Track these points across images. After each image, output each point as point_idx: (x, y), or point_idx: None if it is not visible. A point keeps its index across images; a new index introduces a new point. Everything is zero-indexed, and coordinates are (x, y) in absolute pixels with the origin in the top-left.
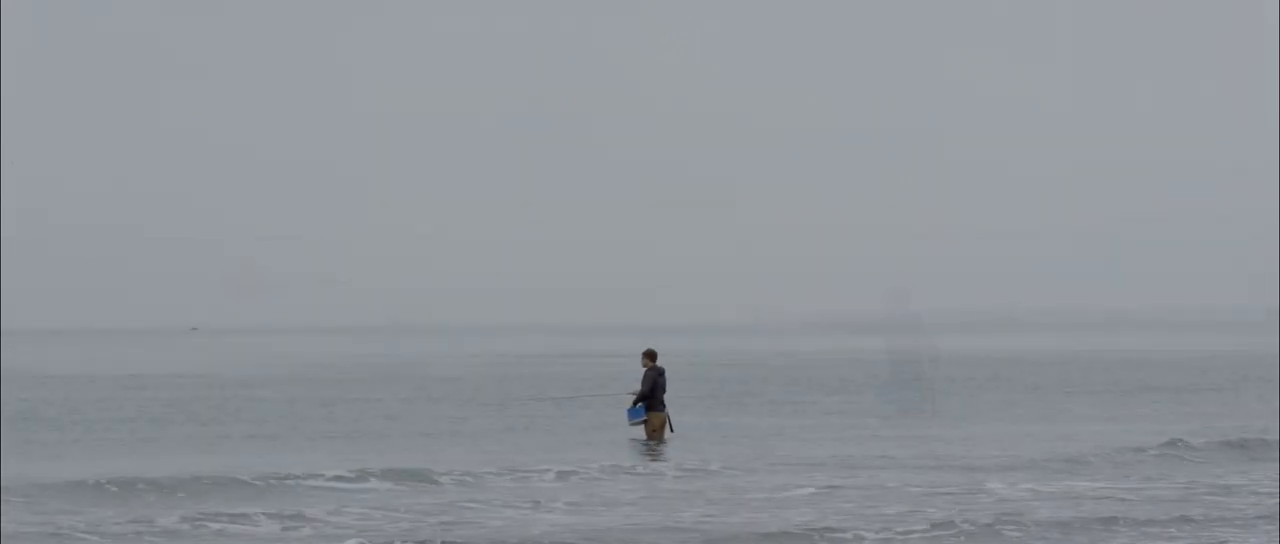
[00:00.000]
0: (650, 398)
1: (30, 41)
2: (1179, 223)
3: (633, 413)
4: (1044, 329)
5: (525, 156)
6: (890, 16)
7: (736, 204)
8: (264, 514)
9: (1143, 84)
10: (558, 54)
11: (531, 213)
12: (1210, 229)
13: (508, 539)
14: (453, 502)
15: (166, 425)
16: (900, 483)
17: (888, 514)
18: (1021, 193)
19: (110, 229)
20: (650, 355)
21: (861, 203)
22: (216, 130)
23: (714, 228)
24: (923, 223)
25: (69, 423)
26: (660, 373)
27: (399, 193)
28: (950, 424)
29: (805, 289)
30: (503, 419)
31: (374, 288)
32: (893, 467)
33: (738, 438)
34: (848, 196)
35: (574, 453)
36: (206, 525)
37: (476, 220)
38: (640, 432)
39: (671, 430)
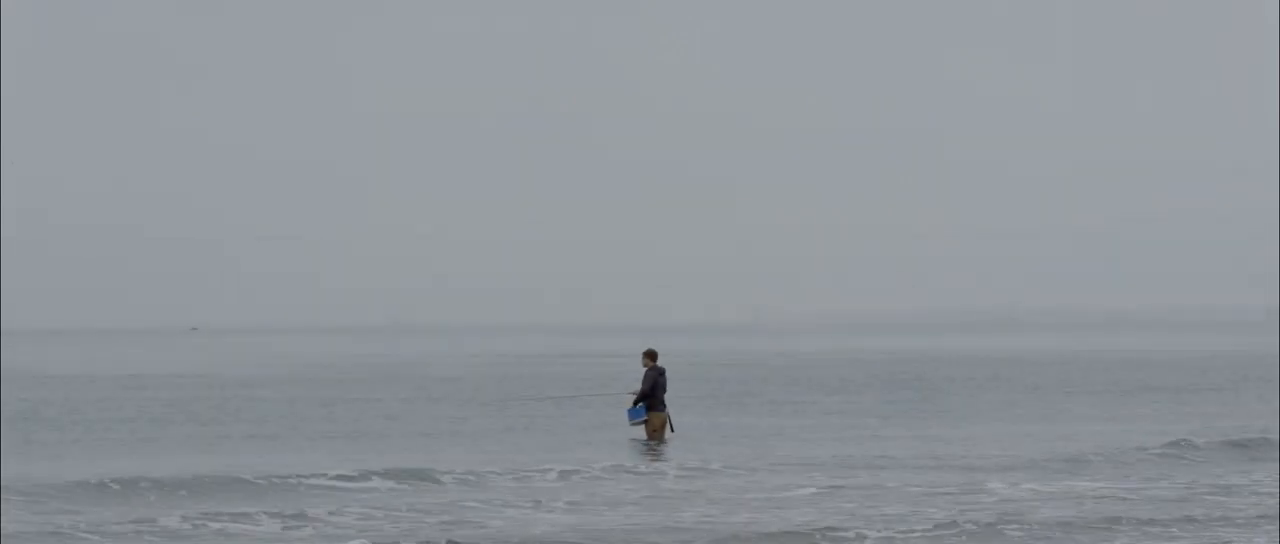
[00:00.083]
0: (651, 398)
1: (30, 41)
2: (1179, 223)
3: (633, 413)
4: (1044, 329)
5: (525, 156)
6: (890, 16)
7: (736, 204)
8: (265, 514)
9: (1143, 84)
10: (558, 54)
11: (531, 213)
12: (1210, 229)
13: (509, 539)
14: (454, 501)
15: (166, 425)
16: (901, 483)
17: (889, 514)
18: (1021, 193)
19: (110, 229)
20: (651, 355)
21: (861, 203)
22: (216, 130)
23: (714, 228)
24: (923, 223)
25: (69, 423)
26: (661, 373)
27: (399, 193)
28: (950, 424)
29: (805, 289)
30: (503, 419)
31: (374, 288)
32: (893, 466)
33: (738, 438)
34: (848, 196)
35: (575, 453)
36: (207, 525)
37: (476, 220)
38: (640, 432)
39: (672, 430)
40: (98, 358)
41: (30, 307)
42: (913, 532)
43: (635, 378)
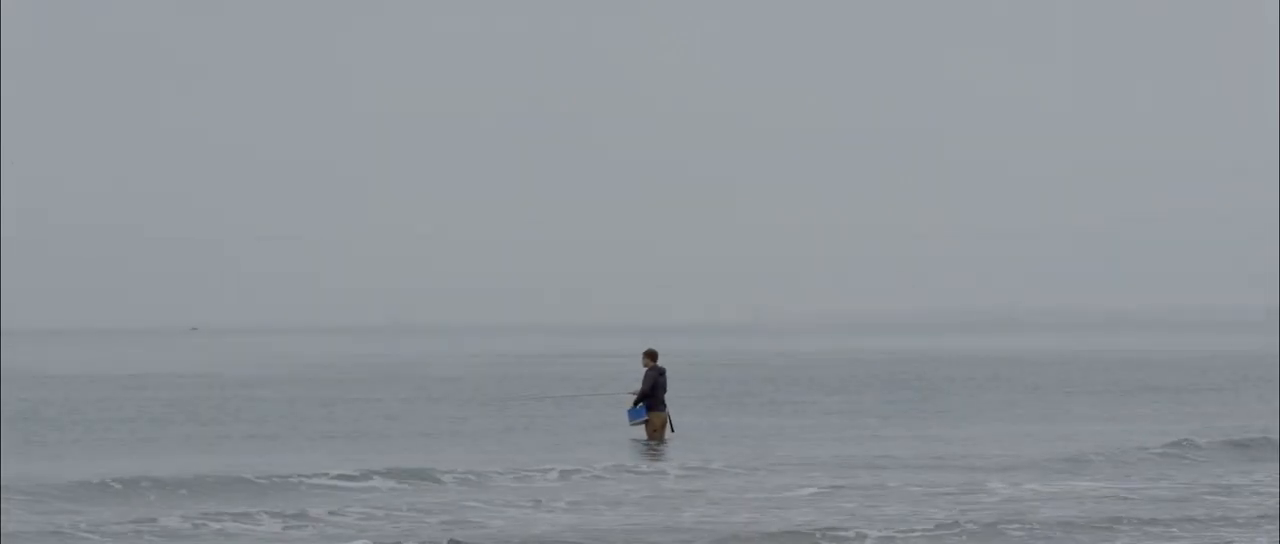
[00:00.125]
0: (651, 398)
1: (30, 41)
2: (1179, 223)
3: (633, 413)
4: (1044, 329)
5: (525, 156)
6: (890, 16)
7: (736, 204)
8: (266, 513)
9: (1143, 84)
10: (558, 54)
11: (531, 213)
12: (1210, 229)
13: (510, 538)
14: (455, 501)
15: (167, 425)
16: (902, 483)
17: (890, 514)
18: (1021, 193)
19: (110, 229)
20: (651, 355)
21: (861, 203)
22: (216, 130)
23: (714, 228)
24: (923, 223)
25: (69, 423)
26: (661, 373)
27: (399, 193)
28: (951, 424)
29: (805, 289)
30: (503, 419)
31: (374, 288)
32: (894, 466)
33: (738, 438)
34: (848, 196)
35: (575, 453)
36: (208, 525)
37: (476, 220)
38: (641, 432)
39: (672, 430)
40: (98, 358)
41: (30, 307)
42: (914, 532)
43: (635, 378)
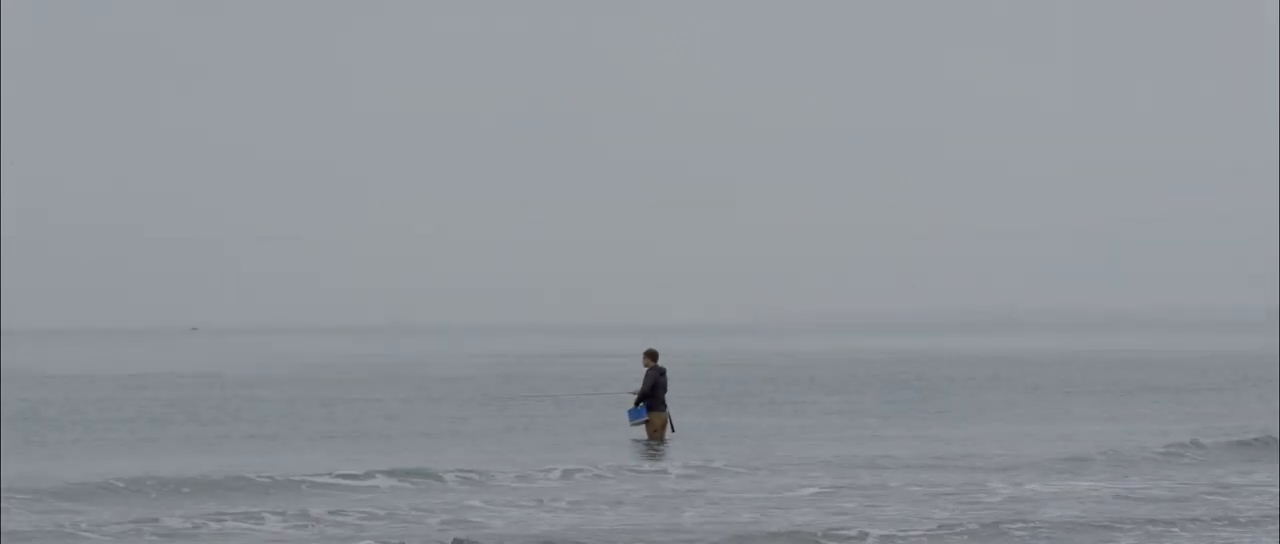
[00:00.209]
0: (651, 398)
1: (30, 41)
2: (1179, 223)
3: (634, 413)
4: (1044, 329)
5: (525, 156)
6: (890, 16)
7: (736, 204)
8: (268, 513)
9: (1143, 84)
10: (558, 54)
11: (531, 213)
12: (1210, 229)
13: (512, 538)
14: (457, 501)
15: (167, 425)
16: (902, 483)
17: (891, 514)
18: (1021, 193)
19: (110, 229)
20: (651, 355)
21: (861, 203)
22: (216, 130)
23: (714, 228)
24: (923, 223)
25: (69, 423)
26: (661, 373)
27: (399, 193)
28: (951, 424)
29: (805, 289)
30: (503, 419)
31: (374, 288)
32: (894, 466)
33: (739, 438)
34: (848, 196)
35: (576, 453)
36: (209, 525)
37: (476, 220)
38: (641, 432)
39: (673, 430)
40: (98, 358)
41: (30, 307)
42: (915, 532)
43: (635, 378)
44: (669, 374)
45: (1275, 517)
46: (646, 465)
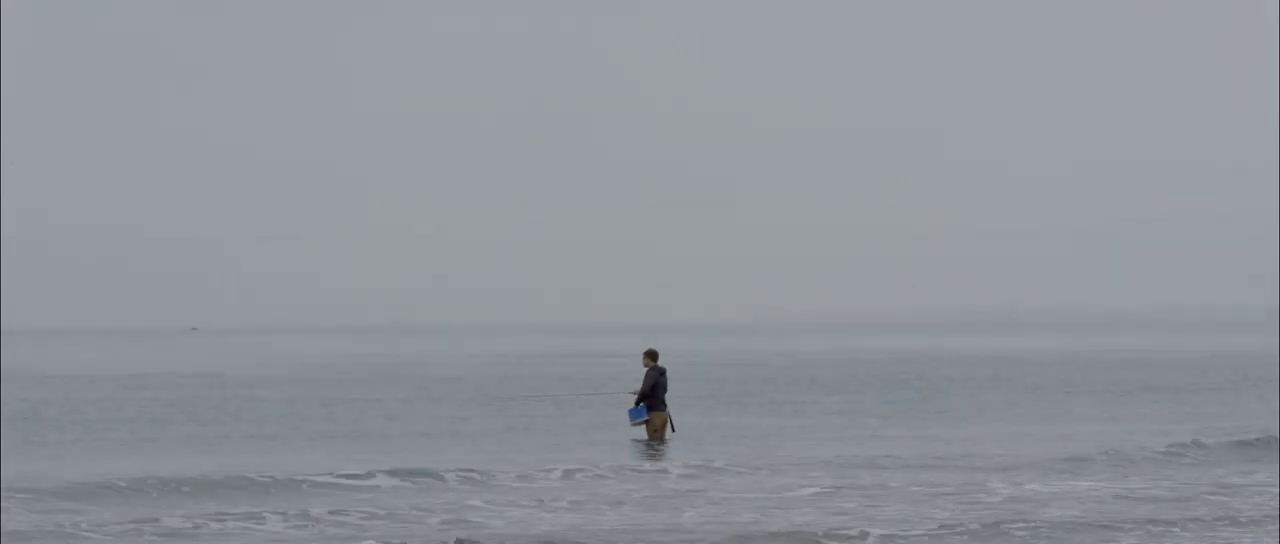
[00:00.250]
0: (651, 398)
1: (30, 41)
2: (1179, 223)
3: (634, 413)
4: (1044, 329)
5: (525, 156)
6: (890, 16)
7: (736, 204)
8: (269, 513)
9: (1143, 84)
10: (558, 54)
11: (531, 213)
12: (1210, 229)
13: (514, 538)
14: (458, 500)
15: (167, 425)
16: (903, 483)
17: (892, 514)
18: (1021, 193)
19: (110, 229)
20: (651, 355)
21: (861, 203)
22: (216, 130)
23: (714, 228)
24: (923, 223)
25: (69, 423)
26: (661, 373)
27: (399, 193)
28: (951, 424)
29: (805, 289)
30: (503, 419)
31: (374, 288)
32: (895, 466)
33: (739, 438)
34: (848, 196)
35: (577, 453)
36: (210, 525)
37: (476, 220)
38: (641, 432)
39: (673, 430)
40: (98, 358)
41: (30, 307)
42: (915, 532)
43: (635, 378)
44: (669, 374)
45: (1276, 517)
46: (647, 465)
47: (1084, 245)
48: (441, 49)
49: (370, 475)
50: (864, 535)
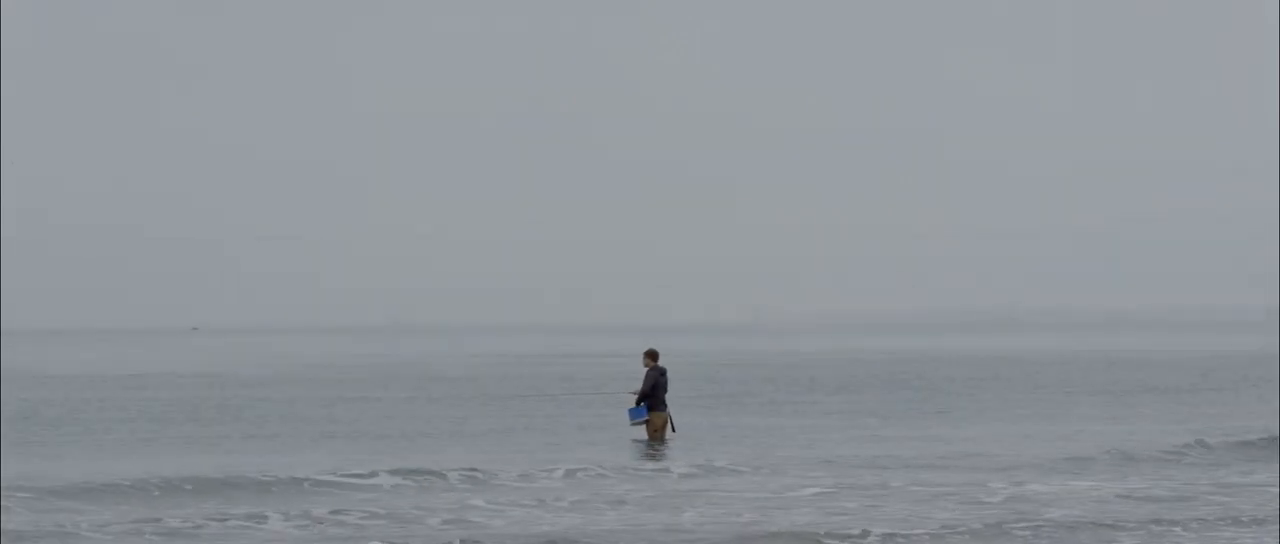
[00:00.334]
0: (651, 397)
1: (30, 41)
2: (1179, 223)
3: (634, 413)
4: (1044, 329)
5: (525, 156)
6: (890, 16)
7: (736, 204)
8: (271, 513)
9: (1143, 84)
10: (558, 54)
11: (531, 213)
12: (1210, 229)
13: (516, 538)
14: (459, 500)
15: (167, 425)
16: (904, 483)
17: (893, 514)
18: (1021, 193)
19: (110, 229)
20: (652, 355)
21: (861, 203)
22: (216, 130)
23: (714, 228)
24: (923, 223)
25: (69, 423)
26: (662, 373)
27: (399, 193)
28: (952, 424)
29: (805, 289)
30: (503, 419)
31: (374, 288)
32: (896, 466)
33: (739, 438)
34: (848, 196)
35: (577, 453)
36: (211, 525)
37: (476, 220)
38: (641, 431)
39: (673, 430)
40: (98, 358)
41: (30, 307)
42: (917, 531)
43: (635, 378)
44: (669, 374)
45: (1277, 517)
46: (648, 465)
47: (1084, 245)
48: (441, 49)
49: (372, 475)
50: (865, 535)
